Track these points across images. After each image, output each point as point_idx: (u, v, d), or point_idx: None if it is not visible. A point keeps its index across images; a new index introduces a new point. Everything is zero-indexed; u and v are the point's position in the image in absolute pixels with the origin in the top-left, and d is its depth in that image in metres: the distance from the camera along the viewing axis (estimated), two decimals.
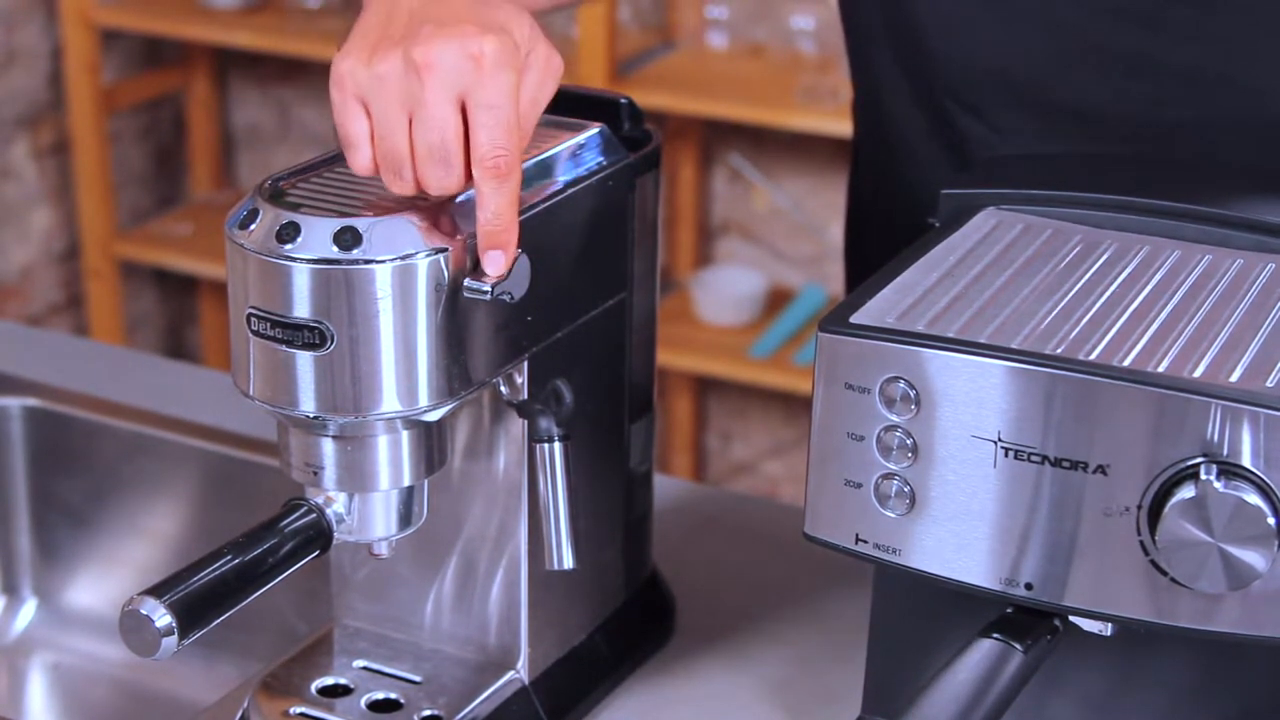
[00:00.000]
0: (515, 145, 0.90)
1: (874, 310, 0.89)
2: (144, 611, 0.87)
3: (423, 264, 0.89)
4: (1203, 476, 0.81)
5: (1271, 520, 0.80)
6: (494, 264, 0.91)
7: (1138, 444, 0.82)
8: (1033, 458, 0.84)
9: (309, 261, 0.88)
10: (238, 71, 3.51)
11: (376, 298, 0.88)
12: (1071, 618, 0.88)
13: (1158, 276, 0.93)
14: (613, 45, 2.86)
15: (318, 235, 0.88)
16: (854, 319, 0.88)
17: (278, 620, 1.29)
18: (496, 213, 0.90)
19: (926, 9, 1.19)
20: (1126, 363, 0.83)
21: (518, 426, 1.01)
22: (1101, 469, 0.83)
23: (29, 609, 1.41)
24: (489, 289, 0.90)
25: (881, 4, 1.22)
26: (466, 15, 0.90)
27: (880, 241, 1.32)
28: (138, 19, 3.20)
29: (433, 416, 0.94)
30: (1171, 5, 1.11)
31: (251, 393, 0.93)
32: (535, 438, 1.00)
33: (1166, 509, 0.81)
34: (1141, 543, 0.83)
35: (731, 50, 3.02)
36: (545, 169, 0.98)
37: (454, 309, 0.91)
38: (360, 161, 0.91)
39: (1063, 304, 0.89)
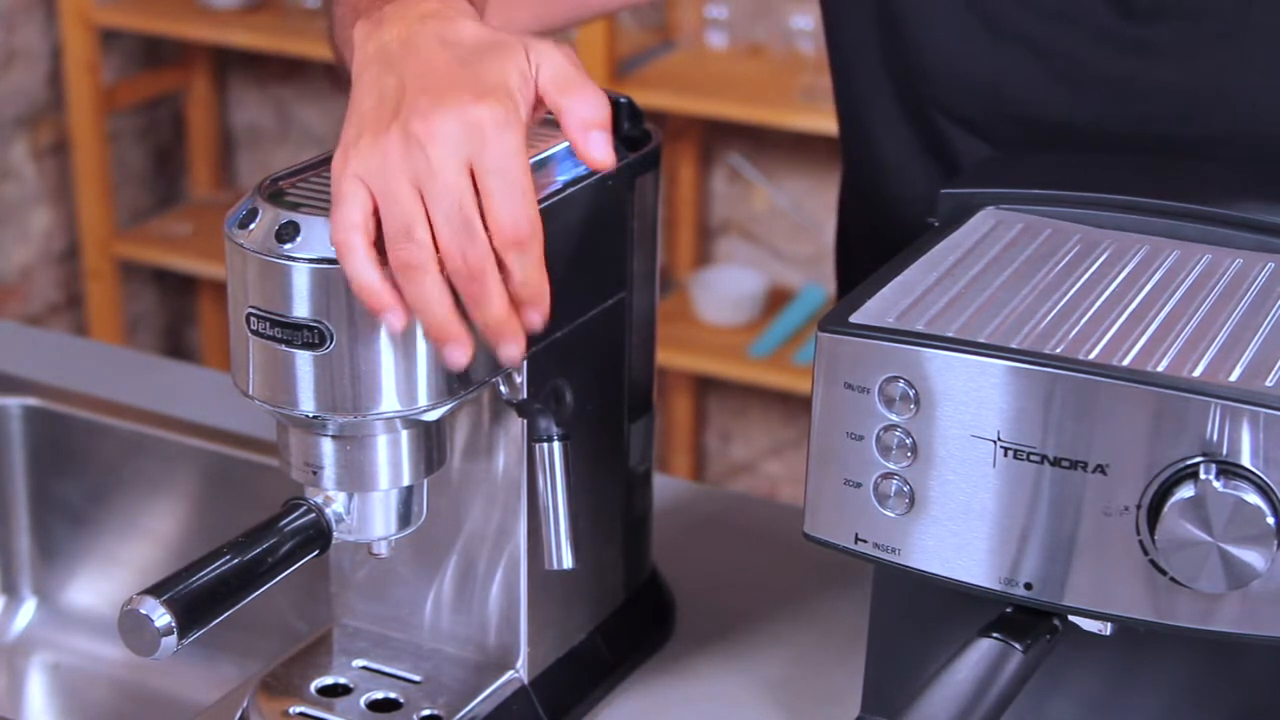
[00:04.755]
0: (532, 209, 0.85)
1: (873, 310, 0.89)
2: (143, 611, 0.87)
3: None
4: (1202, 476, 0.81)
5: (1271, 520, 0.80)
6: (531, 323, 0.87)
7: (1137, 444, 0.82)
8: (1032, 457, 0.84)
9: (308, 261, 0.88)
10: (237, 71, 3.51)
11: None
12: (1071, 617, 0.88)
13: (1157, 276, 0.93)
14: (612, 45, 2.86)
15: (317, 235, 0.88)
16: (853, 318, 0.88)
17: (278, 620, 1.29)
18: (524, 280, 0.86)
19: (917, 26, 1.19)
20: (1126, 362, 0.83)
21: (517, 426, 1.01)
22: (1101, 468, 0.83)
23: (28, 609, 1.41)
24: None
25: (875, 20, 1.22)
26: (461, 81, 0.86)
27: (869, 255, 1.32)
28: (137, 19, 3.20)
29: (432, 416, 0.94)
30: (1158, 23, 1.11)
31: (251, 392, 0.93)
32: (535, 437, 1.00)
33: (1166, 508, 0.81)
34: (1141, 542, 0.83)
35: (731, 50, 3.02)
36: (545, 169, 0.98)
37: None
38: (348, 237, 0.85)
39: (1062, 303, 0.89)
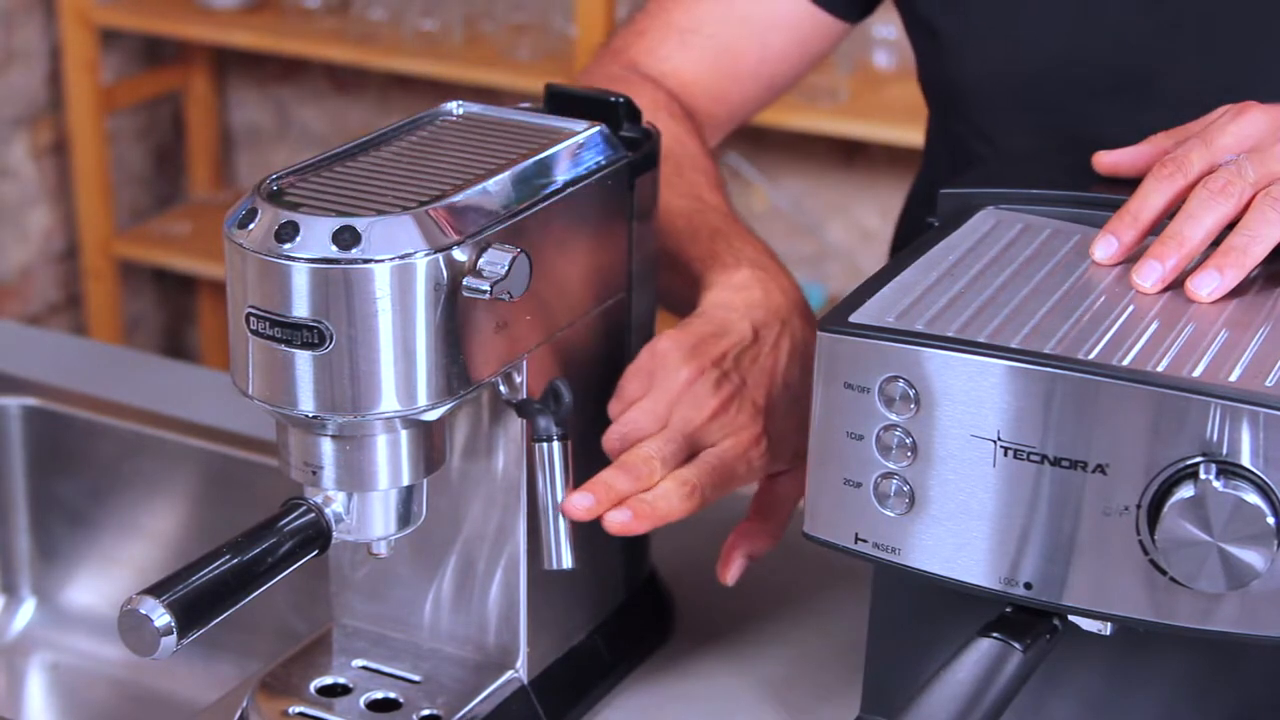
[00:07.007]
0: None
1: (873, 309, 0.89)
2: (143, 611, 0.87)
3: (421, 263, 0.89)
4: (1202, 476, 0.81)
5: (1270, 519, 0.80)
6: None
7: (1137, 443, 0.82)
8: (1032, 457, 0.84)
9: (308, 261, 0.88)
10: (237, 71, 3.51)
11: (375, 297, 0.88)
12: (1071, 617, 0.88)
13: None
14: None
15: (316, 234, 0.88)
16: (853, 318, 0.88)
17: (277, 620, 1.29)
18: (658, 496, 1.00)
19: (941, 10, 1.19)
20: (1126, 362, 0.83)
21: (517, 426, 1.01)
22: (1101, 468, 0.83)
23: (28, 609, 1.41)
24: (488, 288, 0.90)
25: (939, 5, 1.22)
26: (798, 429, 1.04)
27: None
28: (137, 18, 3.20)
29: (432, 416, 0.94)
30: (1174, 28, 1.10)
31: (250, 392, 0.93)
32: (534, 437, 1.00)
33: (1166, 508, 0.81)
34: (1141, 542, 0.83)
35: None
36: (545, 169, 0.98)
37: (453, 308, 0.91)
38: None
39: (1062, 303, 0.89)
